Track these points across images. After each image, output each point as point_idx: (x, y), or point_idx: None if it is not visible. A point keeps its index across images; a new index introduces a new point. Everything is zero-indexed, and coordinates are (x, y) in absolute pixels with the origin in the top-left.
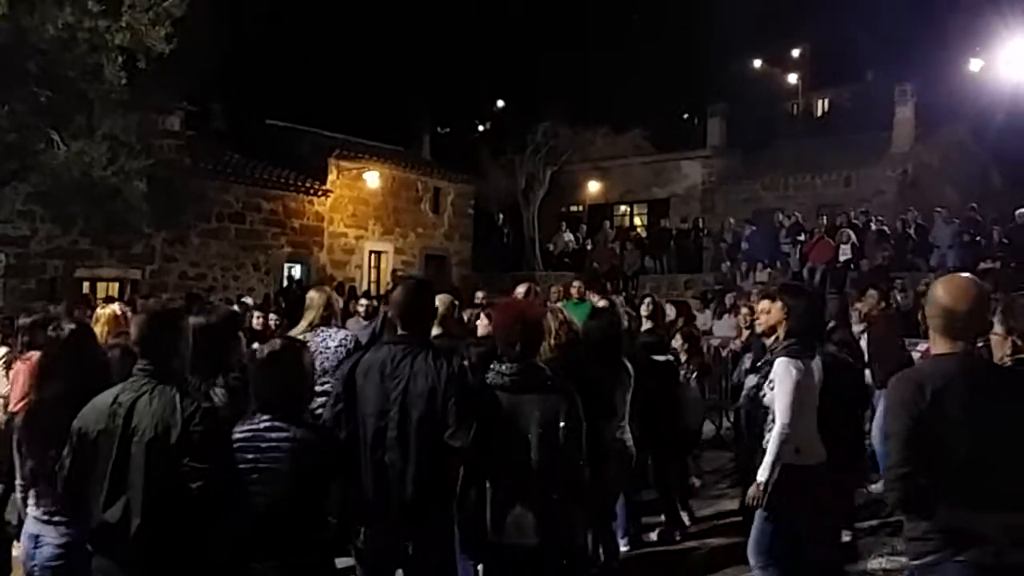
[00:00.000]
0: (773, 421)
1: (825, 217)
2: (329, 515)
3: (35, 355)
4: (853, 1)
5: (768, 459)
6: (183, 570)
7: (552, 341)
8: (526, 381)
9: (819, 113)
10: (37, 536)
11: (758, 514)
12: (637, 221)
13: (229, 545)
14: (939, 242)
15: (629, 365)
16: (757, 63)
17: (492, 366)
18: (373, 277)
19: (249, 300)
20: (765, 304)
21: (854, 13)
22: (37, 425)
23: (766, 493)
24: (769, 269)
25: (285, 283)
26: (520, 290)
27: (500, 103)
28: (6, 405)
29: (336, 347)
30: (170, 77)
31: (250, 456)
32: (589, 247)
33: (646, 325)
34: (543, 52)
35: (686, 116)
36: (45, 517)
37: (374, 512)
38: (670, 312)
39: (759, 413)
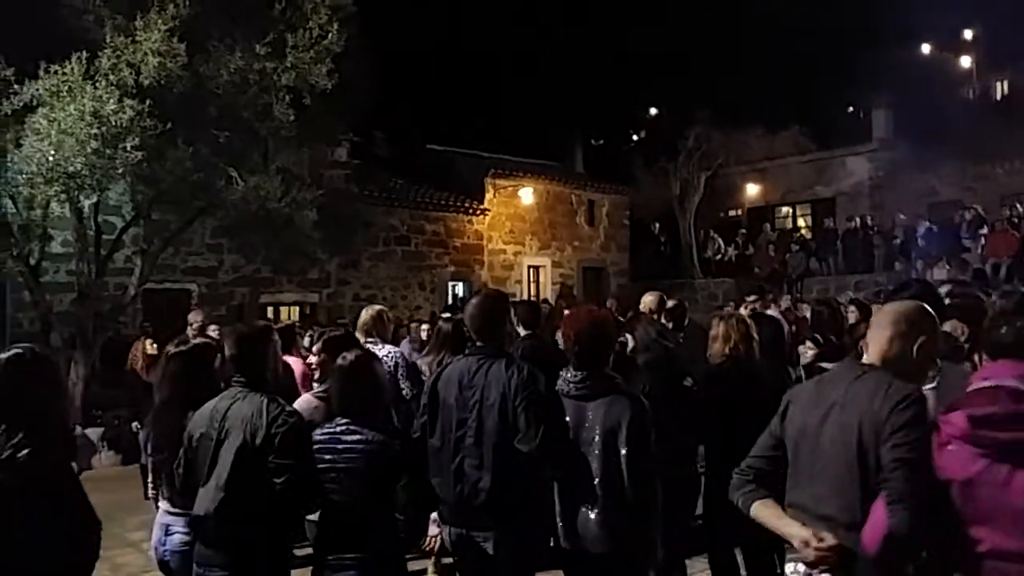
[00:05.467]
0: None
1: (1012, 208)
2: (398, 512)
3: None
4: None
5: None
6: (267, 560)
7: (726, 347)
8: (591, 388)
9: (998, 96)
10: (167, 526)
11: None
12: (801, 222)
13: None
14: None
15: (791, 371)
16: (925, 48)
17: (561, 373)
18: (532, 291)
19: (425, 329)
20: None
21: None
22: (153, 427)
23: None
24: (948, 266)
25: (450, 300)
26: (649, 299)
27: (653, 111)
28: None
29: None
30: (334, 111)
31: (328, 457)
32: (749, 252)
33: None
34: (694, 55)
35: (850, 110)
36: (173, 509)
37: (456, 516)
38: (851, 315)
39: None
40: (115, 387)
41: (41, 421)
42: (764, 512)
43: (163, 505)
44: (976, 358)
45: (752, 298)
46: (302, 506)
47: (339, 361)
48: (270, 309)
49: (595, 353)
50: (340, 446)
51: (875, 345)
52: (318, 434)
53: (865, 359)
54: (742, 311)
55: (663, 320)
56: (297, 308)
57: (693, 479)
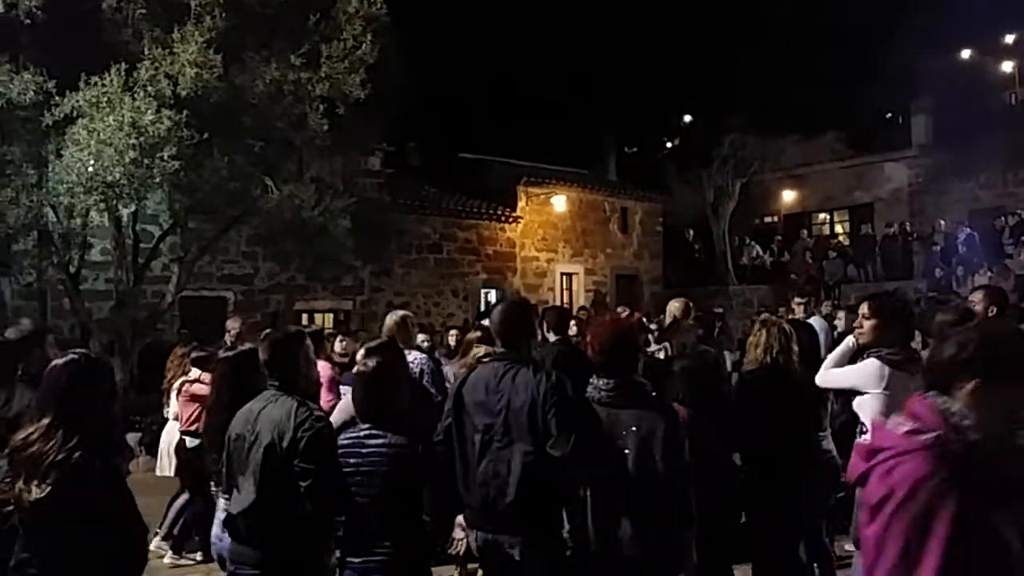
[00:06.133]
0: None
1: None
2: (423, 514)
3: (195, 386)
4: None
5: None
6: (298, 561)
7: (764, 355)
8: (623, 397)
9: None
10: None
11: None
12: (838, 228)
13: (335, 539)
14: None
15: None
16: (965, 54)
17: (591, 381)
18: (565, 299)
19: (454, 334)
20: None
21: None
22: (204, 428)
23: None
24: (989, 273)
25: (483, 308)
26: (675, 306)
27: (687, 118)
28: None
29: None
30: (368, 120)
31: (352, 460)
32: (785, 259)
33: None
34: (727, 63)
35: (888, 115)
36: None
37: (483, 520)
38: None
39: None
40: (152, 393)
41: (95, 425)
42: None
43: (221, 502)
44: None
45: (800, 300)
46: (328, 509)
47: (360, 367)
48: (305, 316)
49: (620, 361)
50: (364, 450)
51: None
52: (343, 439)
53: None
54: (796, 313)
55: None
56: (331, 315)
57: (735, 485)
